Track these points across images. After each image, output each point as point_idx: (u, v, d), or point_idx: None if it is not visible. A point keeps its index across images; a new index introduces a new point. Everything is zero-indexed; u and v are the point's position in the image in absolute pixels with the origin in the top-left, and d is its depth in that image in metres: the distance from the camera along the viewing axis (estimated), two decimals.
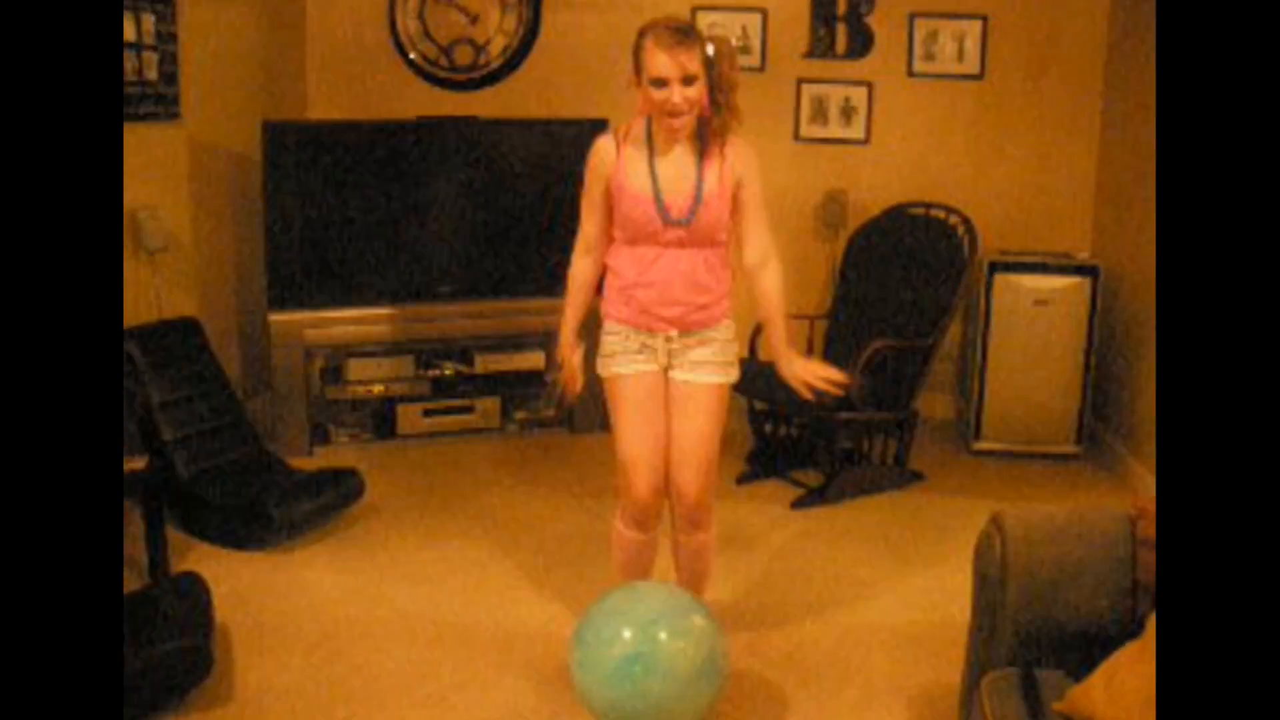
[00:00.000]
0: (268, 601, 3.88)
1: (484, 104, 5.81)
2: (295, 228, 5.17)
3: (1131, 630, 2.45)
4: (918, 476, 5.11)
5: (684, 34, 3.10)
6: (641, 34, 3.14)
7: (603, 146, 3.30)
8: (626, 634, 2.93)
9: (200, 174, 5.05)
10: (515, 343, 5.54)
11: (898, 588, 4.10)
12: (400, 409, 5.45)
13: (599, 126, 5.40)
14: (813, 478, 5.01)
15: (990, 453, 5.44)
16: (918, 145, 5.83)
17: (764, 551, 4.36)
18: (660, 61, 3.07)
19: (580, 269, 3.45)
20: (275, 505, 4.21)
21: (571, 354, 3.45)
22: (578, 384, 3.45)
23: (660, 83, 3.09)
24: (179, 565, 3.96)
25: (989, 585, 2.64)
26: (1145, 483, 4.82)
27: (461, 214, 5.50)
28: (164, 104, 4.69)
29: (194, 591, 3.46)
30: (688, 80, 3.08)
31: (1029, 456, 5.40)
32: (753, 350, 5.20)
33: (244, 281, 5.49)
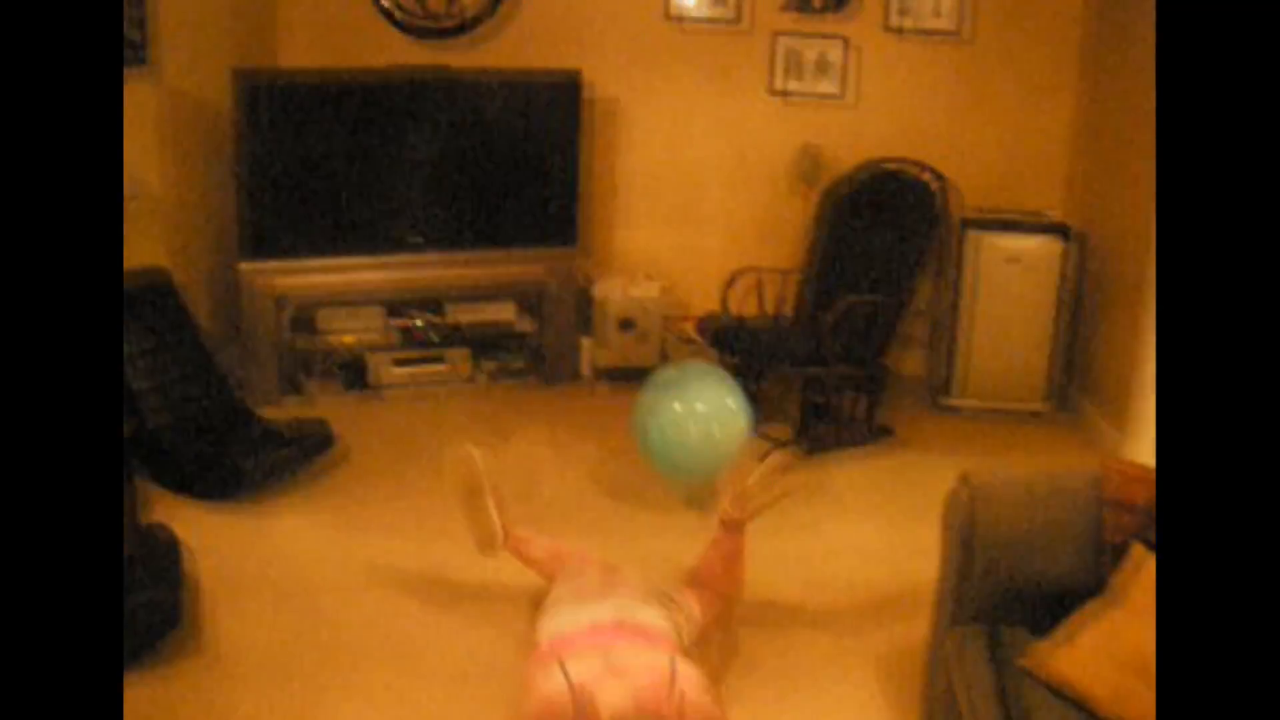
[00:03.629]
0: (238, 553, 3.87)
1: (457, 52, 5.74)
2: (267, 176, 5.10)
3: (1096, 588, 2.48)
4: (887, 432, 5.14)
5: None
6: None
7: None
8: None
9: (170, 122, 4.97)
10: (486, 294, 5.53)
11: (866, 543, 4.13)
12: (371, 359, 5.43)
13: (572, 77, 5.41)
14: (782, 432, 5.03)
15: (960, 409, 5.48)
16: (894, 101, 5.81)
17: None
18: None
19: None
20: (244, 456, 4.20)
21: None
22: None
23: None
24: (148, 517, 3.95)
25: (957, 543, 2.66)
26: (1113, 440, 4.86)
27: (433, 164, 5.44)
28: (133, 50, 4.61)
29: (163, 543, 3.46)
30: None
31: (999, 413, 5.43)
32: (724, 303, 5.20)
33: (215, 230, 5.43)
